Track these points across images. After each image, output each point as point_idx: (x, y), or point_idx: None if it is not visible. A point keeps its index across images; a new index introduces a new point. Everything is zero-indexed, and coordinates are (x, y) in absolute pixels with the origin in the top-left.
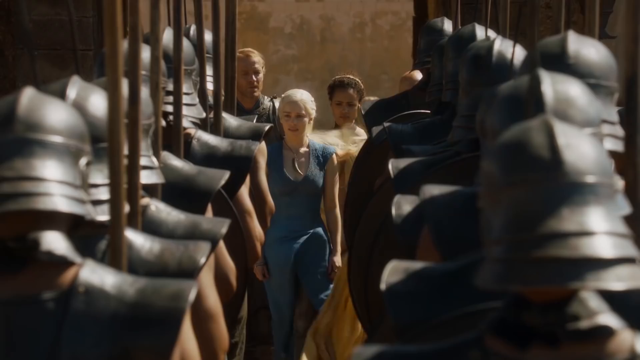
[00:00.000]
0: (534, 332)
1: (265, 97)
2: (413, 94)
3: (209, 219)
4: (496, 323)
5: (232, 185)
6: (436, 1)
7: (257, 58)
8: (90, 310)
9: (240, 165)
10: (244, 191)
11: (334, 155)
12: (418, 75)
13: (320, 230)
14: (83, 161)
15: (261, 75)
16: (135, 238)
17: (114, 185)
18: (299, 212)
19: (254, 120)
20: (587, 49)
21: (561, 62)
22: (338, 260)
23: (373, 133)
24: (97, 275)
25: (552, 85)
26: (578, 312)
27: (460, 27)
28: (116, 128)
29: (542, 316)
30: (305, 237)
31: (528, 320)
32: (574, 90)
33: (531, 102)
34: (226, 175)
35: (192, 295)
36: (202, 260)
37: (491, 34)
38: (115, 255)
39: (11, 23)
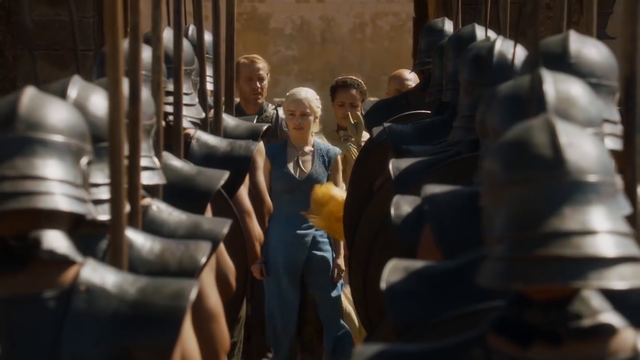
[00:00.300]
0: (536, 331)
1: (270, 104)
2: (413, 94)
3: (210, 219)
4: (498, 321)
5: (232, 185)
6: (436, 2)
7: (262, 64)
8: (91, 309)
9: (239, 166)
10: (244, 191)
11: (339, 156)
12: (407, 73)
13: (320, 232)
14: (84, 160)
15: (265, 82)
16: (136, 238)
17: (114, 185)
18: (300, 211)
19: (254, 122)
20: (588, 49)
21: (563, 62)
22: (342, 262)
23: (373, 133)
24: (98, 274)
25: (553, 84)
26: (580, 311)
27: (461, 27)
28: (117, 128)
29: (544, 315)
30: (307, 239)
31: (530, 318)
32: (576, 89)
33: (533, 102)
34: (226, 175)
35: (193, 295)
36: (203, 259)
37: (492, 34)
38: (116, 255)
39: (11, 23)
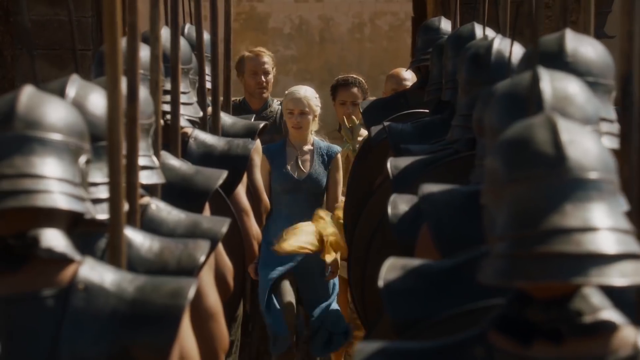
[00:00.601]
0: (537, 329)
1: (275, 99)
2: (411, 93)
3: (209, 218)
4: (499, 319)
5: (229, 184)
6: (435, 1)
7: (267, 58)
8: (89, 308)
9: (237, 164)
10: (241, 190)
11: (339, 155)
12: (404, 72)
13: None
14: (82, 159)
15: (271, 76)
16: (135, 237)
17: (113, 185)
18: (300, 211)
19: (252, 119)
20: (585, 47)
21: (559, 60)
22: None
23: (372, 132)
24: (96, 272)
25: (550, 82)
26: (581, 308)
27: (459, 26)
28: (115, 127)
29: (545, 312)
30: None
31: (531, 316)
32: (573, 87)
33: (532, 100)
34: (224, 174)
35: (191, 293)
36: (202, 258)
37: (492, 33)
38: (114, 254)
39: (10, 23)
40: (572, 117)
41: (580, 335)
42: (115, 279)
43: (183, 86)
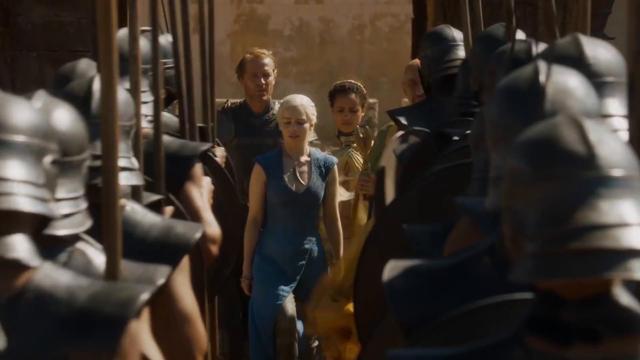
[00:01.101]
0: (573, 329)
1: (277, 102)
2: (440, 96)
3: (184, 223)
4: (532, 321)
5: (176, 183)
6: (435, 3)
7: (267, 60)
8: (36, 315)
9: (185, 163)
10: (193, 192)
11: (336, 167)
12: None
13: (317, 247)
14: (47, 159)
15: (271, 79)
16: (96, 255)
17: (107, 185)
18: (297, 224)
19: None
20: (600, 49)
21: (581, 64)
22: None
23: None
24: (49, 279)
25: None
26: (615, 308)
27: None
28: (111, 128)
29: (580, 313)
30: (304, 255)
31: (565, 317)
32: (573, 81)
33: (535, 95)
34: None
35: (140, 303)
36: (161, 281)
37: (521, 35)
38: (112, 255)
39: (10, 24)
40: (571, 110)
41: (618, 334)
42: (70, 285)
43: (143, 85)
